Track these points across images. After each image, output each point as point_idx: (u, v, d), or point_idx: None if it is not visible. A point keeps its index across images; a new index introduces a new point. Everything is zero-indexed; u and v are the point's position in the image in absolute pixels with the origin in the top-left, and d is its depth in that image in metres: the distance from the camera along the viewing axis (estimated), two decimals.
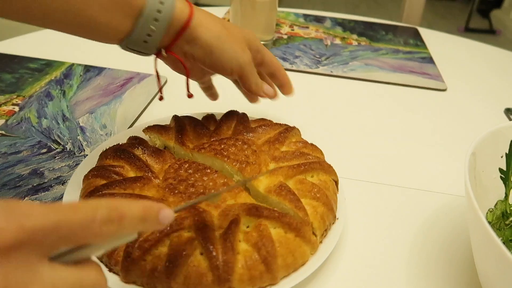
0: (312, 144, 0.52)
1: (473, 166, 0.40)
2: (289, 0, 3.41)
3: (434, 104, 0.77)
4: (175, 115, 0.55)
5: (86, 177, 0.45)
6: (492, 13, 3.40)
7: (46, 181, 0.51)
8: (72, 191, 0.46)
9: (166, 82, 0.76)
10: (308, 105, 0.73)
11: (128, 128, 0.63)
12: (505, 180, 0.44)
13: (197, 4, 1.04)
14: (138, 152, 0.48)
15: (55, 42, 0.88)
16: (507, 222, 0.45)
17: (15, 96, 0.68)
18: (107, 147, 0.50)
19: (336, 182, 0.49)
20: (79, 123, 0.63)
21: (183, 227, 0.38)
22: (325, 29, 1.04)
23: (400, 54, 0.94)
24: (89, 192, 0.42)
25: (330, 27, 1.06)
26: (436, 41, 1.04)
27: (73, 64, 0.79)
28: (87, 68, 0.78)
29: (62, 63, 0.79)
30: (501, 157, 0.45)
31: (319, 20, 1.10)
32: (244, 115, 0.57)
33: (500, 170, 0.44)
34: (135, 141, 0.50)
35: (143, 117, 0.67)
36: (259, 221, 0.40)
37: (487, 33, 3.21)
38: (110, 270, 0.39)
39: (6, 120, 0.62)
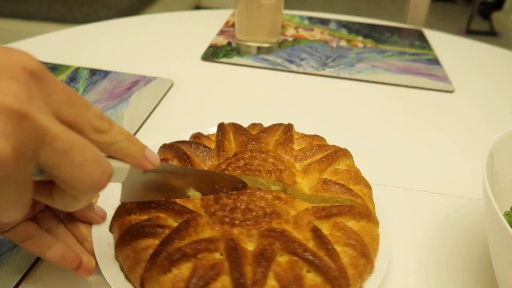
0: (316, 135, 0.52)
1: (491, 168, 0.40)
2: (289, 2, 3.41)
3: (442, 106, 0.76)
4: (164, 144, 0.49)
5: (124, 244, 0.38)
6: (493, 15, 3.40)
7: None
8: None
9: (172, 85, 0.76)
10: (315, 108, 0.73)
11: (135, 132, 0.63)
12: None
13: (200, 7, 1.03)
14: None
15: (59, 46, 0.88)
16: None
17: None
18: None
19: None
20: None
21: (276, 253, 0.36)
22: (330, 31, 1.04)
23: (406, 56, 0.93)
24: (153, 256, 0.36)
25: (335, 29, 1.05)
26: (442, 42, 1.03)
27: (78, 68, 0.78)
28: (93, 72, 0.77)
29: (67, 66, 0.78)
30: None
31: (323, 22, 1.09)
32: (235, 124, 0.52)
33: None
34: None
35: (150, 120, 0.66)
36: (332, 221, 0.40)
37: (488, 35, 3.21)
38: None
39: None
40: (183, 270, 0.35)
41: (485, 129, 0.71)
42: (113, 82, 0.75)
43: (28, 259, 0.41)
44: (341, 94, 0.78)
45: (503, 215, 0.43)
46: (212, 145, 0.49)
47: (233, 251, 0.35)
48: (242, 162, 0.45)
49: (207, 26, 1.01)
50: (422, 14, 1.19)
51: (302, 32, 1.02)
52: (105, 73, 0.77)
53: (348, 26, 1.08)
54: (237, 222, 0.38)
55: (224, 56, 0.87)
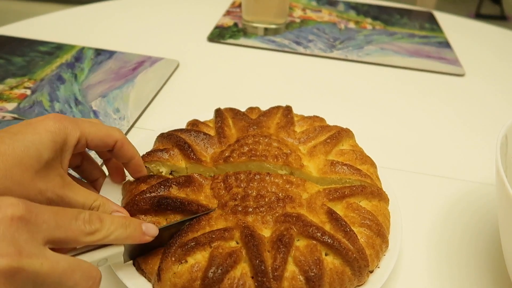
0: (315, 116, 0.51)
1: (504, 151, 0.39)
2: None
3: (453, 90, 0.75)
4: (162, 133, 0.47)
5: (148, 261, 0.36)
6: None
7: None
8: None
9: (178, 66, 0.75)
10: (323, 90, 0.72)
11: (140, 113, 0.62)
12: None
13: None
14: (175, 191, 0.40)
15: (65, 25, 0.87)
16: None
17: (26, 79, 0.67)
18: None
19: None
20: (92, 107, 0.62)
21: (293, 238, 0.35)
22: (338, 13, 1.02)
23: (416, 39, 0.91)
24: (166, 248, 0.35)
25: (344, 11, 1.03)
26: (452, 25, 1.01)
27: (83, 48, 0.77)
28: (98, 52, 0.76)
29: (72, 46, 0.77)
30: None
31: (332, 3, 1.07)
32: (234, 109, 0.51)
33: None
34: (157, 181, 0.41)
35: (156, 101, 0.65)
36: (345, 202, 0.39)
37: (498, 19, 3.15)
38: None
39: (19, 104, 0.61)
40: (199, 259, 0.35)
41: (496, 113, 0.69)
42: (119, 62, 0.74)
43: None
44: (349, 76, 0.77)
45: None
46: (212, 132, 0.48)
47: (250, 238, 0.35)
48: (246, 148, 0.43)
49: (214, 6, 0.99)
50: None
51: (309, 14, 1.00)
52: (111, 53, 0.76)
53: (356, 7, 1.06)
54: (250, 210, 0.38)
55: (231, 37, 0.86)
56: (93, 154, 0.49)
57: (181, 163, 0.44)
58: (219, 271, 0.33)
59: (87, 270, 0.29)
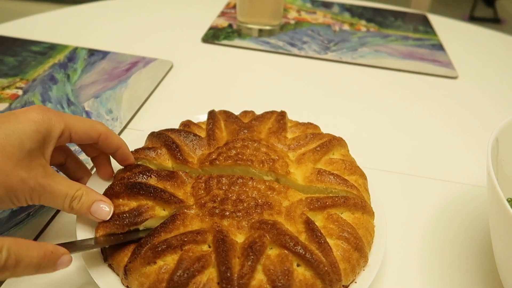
0: (309, 123, 0.50)
1: (495, 155, 0.39)
2: None
3: (446, 92, 0.76)
4: (153, 132, 0.47)
5: (103, 228, 0.37)
6: (497, 2, 3.35)
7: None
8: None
9: (172, 67, 0.74)
10: (317, 92, 0.72)
11: (133, 114, 0.62)
12: None
13: None
14: (153, 181, 0.40)
15: (58, 25, 0.86)
16: None
17: (18, 80, 0.66)
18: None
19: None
20: (84, 108, 0.62)
21: (266, 246, 0.35)
22: (333, 15, 1.02)
23: (410, 41, 0.92)
24: (138, 247, 0.35)
25: (338, 13, 1.03)
26: (446, 28, 1.02)
27: (76, 48, 0.77)
28: (91, 52, 0.76)
29: (65, 46, 0.77)
30: None
31: (326, 5, 1.07)
32: (227, 112, 0.51)
33: None
34: (140, 169, 0.42)
35: (150, 102, 0.65)
36: (326, 212, 0.38)
37: (492, 22, 3.17)
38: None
39: (10, 104, 0.61)
40: (169, 261, 0.34)
41: (488, 116, 0.70)
42: (112, 62, 0.73)
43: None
44: (343, 78, 0.77)
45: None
46: (203, 134, 0.48)
47: (221, 243, 0.34)
48: (234, 152, 0.43)
49: (208, 7, 0.99)
50: None
51: (304, 15, 1.00)
52: (104, 54, 0.76)
53: (351, 9, 1.06)
54: (227, 213, 0.37)
55: (225, 38, 0.85)
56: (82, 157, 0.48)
57: (167, 163, 0.44)
58: (185, 275, 0.33)
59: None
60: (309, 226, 0.36)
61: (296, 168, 0.43)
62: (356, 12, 1.05)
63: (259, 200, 0.39)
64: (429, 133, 0.64)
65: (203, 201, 0.39)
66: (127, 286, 0.35)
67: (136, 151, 0.44)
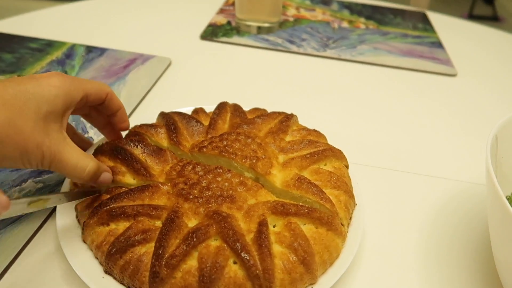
0: (315, 130, 0.50)
1: (495, 152, 0.39)
2: None
3: (445, 90, 0.75)
4: (162, 112, 0.50)
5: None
6: (496, 0, 3.35)
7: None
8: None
9: (170, 64, 0.74)
10: (316, 90, 0.72)
11: (132, 111, 0.62)
12: None
13: None
14: (137, 151, 0.43)
15: (55, 22, 0.86)
16: None
17: (16, 76, 0.66)
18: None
19: (347, 167, 0.47)
20: None
21: (210, 236, 0.35)
22: (332, 12, 1.02)
23: (409, 39, 0.92)
24: (96, 207, 0.38)
25: (337, 10, 1.03)
26: (445, 25, 1.02)
27: (74, 45, 0.76)
28: (89, 49, 0.75)
29: (63, 43, 0.77)
30: None
31: (325, 2, 1.07)
32: (237, 106, 0.52)
33: None
34: (134, 137, 0.45)
35: (148, 99, 0.65)
36: (287, 219, 0.37)
37: (491, 20, 3.17)
38: None
39: None
40: (120, 227, 0.37)
41: (487, 113, 0.70)
42: (110, 59, 0.73)
43: (22, 238, 0.41)
44: (342, 76, 0.77)
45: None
46: (207, 122, 0.49)
47: (169, 222, 0.36)
48: (224, 143, 0.44)
49: (207, 4, 0.99)
50: None
51: (303, 12, 1.00)
52: (102, 51, 0.75)
53: (350, 7, 1.06)
54: (191, 197, 0.38)
55: (224, 35, 0.85)
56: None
57: (163, 142, 0.46)
58: (126, 242, 0.35)
59: None
60: (259, 227, 0.36)
61: (280, 171, 0.43)
62: (355, 9, 1.05)
63: (225, 192, 0.39)
64: (429, 130, 0.64)
65: (177, 181, 0.40)
66: (84, 241, 0.38)
67: (141, 126, 0.48)
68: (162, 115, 0.49)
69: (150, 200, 0.39)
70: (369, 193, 0.51)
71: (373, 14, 1.03)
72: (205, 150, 0.43)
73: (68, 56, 0.73)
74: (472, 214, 0.50)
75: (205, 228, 0.35)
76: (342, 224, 0.40)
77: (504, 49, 0.95)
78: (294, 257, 0.35)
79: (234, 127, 0.48)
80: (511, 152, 0.43)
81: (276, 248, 0.36)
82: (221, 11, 0.96)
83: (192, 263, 0.34)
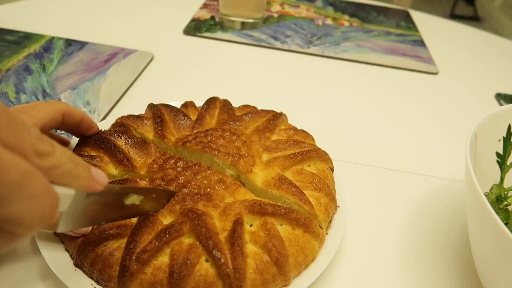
0: (302, 130, 0.49)
1: (474, 149, 0.39)
2: None
3: (426, 87, 0.76)
4: (151, 103, 0.49)
5: None
6: (477, 0, 3.42)
7: None
8: None
9: (152, 58, 0.73)
10: (299, 86, 0.72)
11: (112, 106, 0.60)
12: (501, 164, 0.44)
13: None
14: (121, 142, 0.43)
15: (33, 13, 0.83)
16: (501, 206, 0.44)
17: None
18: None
19: (332, 170, 0.47)
20: (61, 99, 0.60)
21: (183, 233, 0.35)
22: (316, 9, 1.02)
23: (392, 36, 0.92)
24: None
25: (322, 7, 1.03)
26: (428, 24, 1.03)
27: (53, 38, 0.74)
28: (69, 42, 0.74)
29: (41, 36, 0.74)
30: (499, 140, 0.44)
31: None
32: (226, 101, 0.51)
33: (497, 153, 0.44)
34: (119, 128, 0.45)
35: (129, 94, 0.64)
36: (264, 219, 0.37)
37: (471, 20, 3.23)
38: (105, 287, 0.34)
39: None
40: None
41: (467, 112, 0.71)
42: (90, 53, 0.71)
43: None
44: (326, 73, 0.77)
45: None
46: (193, 116, 0.49)
47: (143, 219, 0.35)
48: (209, 139, 0.43)
49: None
50: None
51: (287, 9, 1.00)
52: (82, 44, 0.73)
53: (334, 4, 1.06)
54: None
55: (207, 30, 0.84)
56: None
57: (149, 134, 0.46)
58: (100, 235, 0.35)
59: (49, 184, 0.23)
60: (234, 226, 0.35)
61: (262, 169, 0.42)
62: (339, 6, 1.05)
63: (202, 190, 0.38)
64: (409, 127, 0.65)
65: (154, 176, 0.40)
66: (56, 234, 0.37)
67: (127, 116, 0.47)
68: (150, 106, 0.49)
69: None
70: (350, 189, 0.51)
71: (357, 11, 1.04)
72: (188, 144, 0.43)
73: (46, 49, 0.71)
74: (451, 210, 0.50)
75: (179, 225, 0.35)
76: (321, 227, 0.39)
77: (484, 48, 0.96)
78: (267, 258, 0.35)
79: (220, 123, 0.47)
80: (489, 150, 0.44)
81: (250, 248, 0.35)
82: (205, 6, 0.95)
83: (163, 259, 0.34)
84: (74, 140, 0.45)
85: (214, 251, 0.33)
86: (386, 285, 0.41)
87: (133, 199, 0.34)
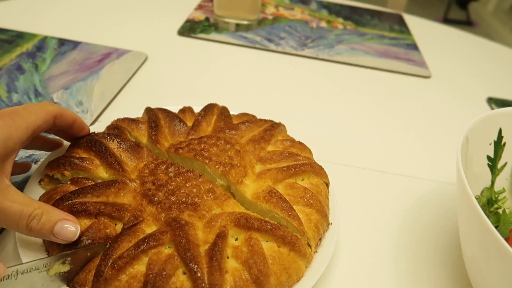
0: (300, 143, 0.47)
1: (465, 152, 0.40)
2: None
3: (419, 91, 0.77)
4: (148, 107, 0.49)
5: (50, 165, 0.40)
6: (470, 5, 3.45)
7: (17, 159, 0.48)
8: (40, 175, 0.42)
9: (146, 59, 0.73)
10: (293, 88, 0.72)
11: (105, 106, 0.60)
12: (492, 167, 0.44)
13: None
14: (113, 145, 0.42)
15: (26, 12, 0.83)
16: (491, 209, 0.45)
17: None
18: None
19: (327, 185, 0.45)
20: (53, 99, 0.59)
21: (163, 243, 0.34)
22: (310, 11, 1.02)
23: (386, 40, 0.93)
24: (58, 200, 0.37)
25: (316, 10, 1.04)
26: (421, 28, 1.04)
27: (46, 37, 0.74)
28: (62, 42, 0.73)
29: (34, 35, 0.74)
30: (490, 144, 0.44)
31: (304, 1, 1.07)
32: (224, 109, 0.50)
33: (488, 157, 0.44)
34: (113, 131, 0.44)
35: (122, 95, 0.63)
36: (249, 234, 0.35)
37: (464, 24, 3.26)
38: None
39: None
40: (81, 224, 0.35)
41: (459, 115, 0.71)
42: (84, 53, 0.71)
43: None
44: (319, 75, 0.77)
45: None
46: (190, 122, 0.48)
47: (127, 229, 0.35)
48: (202, 146, 0.42)
49: (185, 0, 0.98)
50: None
51: (282, 11, 1.00)
52: (75, 44, 0.73)
53: (329, 7, 1.07)
54: (155, 199, 0.37)
55: (202, 31, 0.84)
56: None
57: (143, 138, 0.45)
58: (84, 242, 0.34)
59: None
60: (216, 239, 0.34)
61: (253, 181, 0.41)
62: (333, 9, 1.06)
63: (190, 199, 0.37)
64: (402, 130, 0.65)
65: (146, 180, 0.39)
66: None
67: (123, 119, 0.47)
68: (147, 110, 0.48)
69: (115, 197, 0.38)
70: (341, 192, 0.51)
71: (351, 14, 1.04)
72: (180, 151, 0.42)
73: (39, 48, 0.70)
74: (442, 212, 0.51)
75: (160, 234, 0.34)
76: (309, 245, 0.38)
77: (476, 53, 0.97)
78: (247, 275, 0.33)
79: (216, 131, 0.46)
80: (481, 153, 0.44)
81: (231, 263, 0.34)
82: (200, 7, 0.95)
83: (140, 268, 0.33)
84: (67, 143, 0.45)
85: (191, 264, 0.32)
86: None
87: (57, 268, 0.32)
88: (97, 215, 0.36)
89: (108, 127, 0.46)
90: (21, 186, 0.45)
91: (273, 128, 0.47)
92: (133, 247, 0.33)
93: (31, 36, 0.74)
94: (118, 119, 0.47)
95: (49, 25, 0.78)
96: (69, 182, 0.39)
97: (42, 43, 0.72)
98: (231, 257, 0.34)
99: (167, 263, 0.32)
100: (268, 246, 0.36)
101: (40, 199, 0.38)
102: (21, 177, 0.46)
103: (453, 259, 0.45)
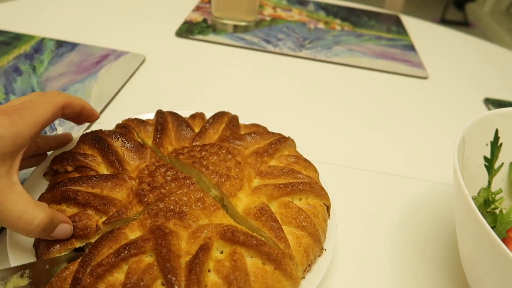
0: (306, 160, 0.45)
1: (462, 153, 0.40)
2: None
3: (416, 92, 0.77)
4: (159, 110, 0.48)
5: (55, 159, 0.41)
6: (467, 6, 3.46)
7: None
8: (41, 173, 0.42)
9: (144, 60, 0.73)
10: (291, 89, 0.72)
11: (103, 108, 0.60)
12: (489, 168, 0.45)
13: None
14: (117, 143, 0.42)
15: (23, 14, 0.83)
16: (488, 210, 0.45)
17: None
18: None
19: (328, 208, 0.43)
20: None
21: (144, 251, 0.33)
22: (308, 13, 1.02)
23: (383, 41, 0.93)
24: (56, 184, 0.38)
25: (314, 11, 1.04)
26: (418, 29, 1.04)
27: (43, 38, 0.74)
28: (59, 43, 0.73)
29: (31, 36, 0.74)
30: (486, 145, 0.45)
31: (302, 3, 1.08)
32: (234, 118, 0.49)
33: (485, 158, 0.44)
34: (120, 130, 0.44)
35: (120, 96, 0.63)
36: (234, 248, 0.34)
37: (461, 25, 3.27)
38: None
39: None
40: (69, 211, 0.36)
41: (456, 116, 0.72)
42: (81, 55, 0.71)
43: None
44: (317, 76, 0.77)
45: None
46: (198, 128, 0.48)
47: (108, 234, 0.34)
48: (202, 154, 0.42)
49: (183, 1, 0.98)
50: (399, 0, 1.19)
51: (280, 12, 1.00)
52: (73, 45, 0.73)
53: (326, 8, 1.07)
54: (145, 199, 0.37)
55: (199, 33, 0.84)
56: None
57: (149, 140, 0.45)
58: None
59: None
60: (198, 251, 0.33)
61: (247, 195, 0.39)
62: (331, 10, 1.06)
63: (178, 207, 0.36)
64: (399, 131, 0.66)
65: (143, 180, 0.39)
66: None
67: (133, 119, 0.47)
68: (157, 113, 0.48)
69: (110, 191, 0.38)
70: (338, 193, 0.51)
71: (349, 16, 1.04)
72: (180, 157, 0.42)
73: (36, 50, 0.70)
74: (439, 212, 0.51)
75: (142, 242, 0.33)
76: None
77: (473, 53, 0.98)
78: None
79: (220, 140, 0.45)
80: (477, 154, 0.44)
81: (212, 277, 0.32)
82: (197, 8, 0.95)
83: (119, 276, 0.32)
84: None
85: (169, 276, 0.31)
86: None
87: (15, 282, 0.31)
88: (84, 205, 0.36)
89: (117, 126, 0.46)
90: None
91: (279, 142, 0.45)
92: (113, 254, 0.32)
93: (29, 37, 0.73)
94: (128, 119, 0.47)
95: (46, 27, 0.78)
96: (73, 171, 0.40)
97: (39, 45, 0.72)
98: (213, 271, 0.33)
99: (145, 273, 0.31)
100: (252, 263, 0.34)
101: (49, 183, 0.40)
102: None
103: (451, 260, 0.45)
